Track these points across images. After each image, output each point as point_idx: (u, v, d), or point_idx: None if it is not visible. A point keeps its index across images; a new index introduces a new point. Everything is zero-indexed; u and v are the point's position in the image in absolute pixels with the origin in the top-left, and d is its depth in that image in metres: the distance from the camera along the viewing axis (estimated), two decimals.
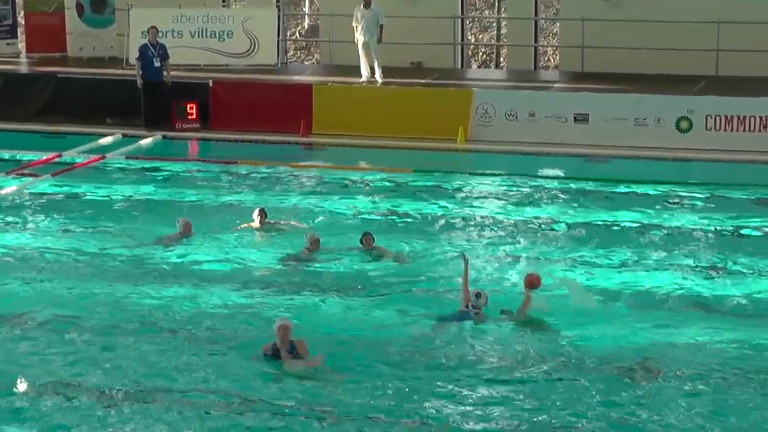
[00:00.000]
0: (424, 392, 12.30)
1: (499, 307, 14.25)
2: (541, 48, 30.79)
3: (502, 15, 31.10)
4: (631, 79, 25.24)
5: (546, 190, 20.81)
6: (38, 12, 29.52)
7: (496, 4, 38.71)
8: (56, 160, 22.85)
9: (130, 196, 20.47)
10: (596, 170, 21.92)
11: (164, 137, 24.75)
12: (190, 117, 25.13)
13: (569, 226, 18.54)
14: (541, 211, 19.48)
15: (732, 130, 23.04)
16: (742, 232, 18.26)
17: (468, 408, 11.97)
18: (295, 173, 22.04)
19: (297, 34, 38.72)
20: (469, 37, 36.47)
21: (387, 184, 21.38)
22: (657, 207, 19.54)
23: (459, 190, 21.05)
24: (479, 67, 35.30)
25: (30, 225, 18.62)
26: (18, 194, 20.44)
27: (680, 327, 14.10)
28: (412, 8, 27.52)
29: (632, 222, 18.69)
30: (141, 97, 25.15)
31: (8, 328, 14.00)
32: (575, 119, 23.80)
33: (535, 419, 11.71)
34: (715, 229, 18.35)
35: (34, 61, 29.06)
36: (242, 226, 17.98)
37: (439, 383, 12.50)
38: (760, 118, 22.91)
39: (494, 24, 33.75)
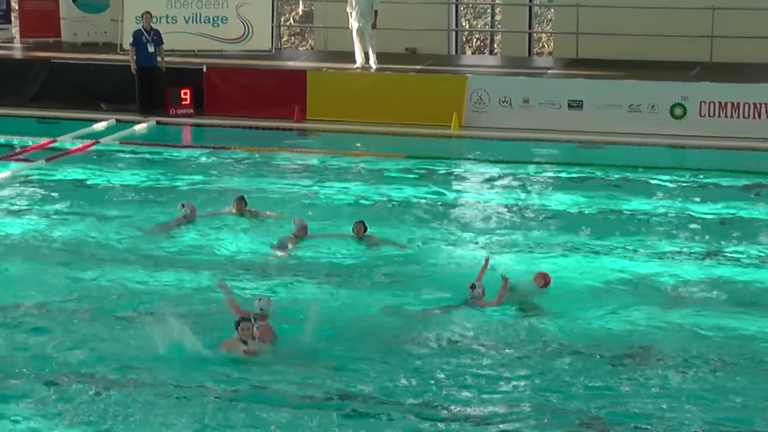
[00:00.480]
0: (417, 376, 12.32)
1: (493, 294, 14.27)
2: (535, 34, 30.75)
3: (497, 1, 31.01)
4: (625, 66, 25.25)
5: (539, 177, 20.83)
6: None
7: None
8: (50, 145, 22.85)
9: (124, 182, 20.45)
10: (590, 156, 21.91)
11: (158, 123, 24.74)
12: (184, 103, 25.09)
13: (562, 212, 18.55)
14: (534, 197, 19.50)
15: (726, 116, 23.03)
16: (735, 217, 18.27)
17: (465, 393, 12.01)
18: (288, 158, 22.04)
19: (291, 19, 38.65)
20: (464, 23, 36.44)
21: (380, 168, 21.38)
22: (651, 193, 19.57)
23: (452, 176, 21.07)
24: (473, 53, 35.23)
25: (23, 210, 18.59)
26: (12, 179, 20.42)
27: (674, 313, 14.11)
28: None
29: (626, 209, 18.70)
30: (135, 83, 25.13)
31: (1, 315, 13.98)
32: (569, 106, 23.78)
33: (530, 404, 11.74)
34: (709, 215, 18.36)
35: (28, 46, 29.03)
36: (222, 210, 17.93)
37: (431, 369, 12.51)
38: (755, 104, 22.91)
39: (488, 10, 33.65)
